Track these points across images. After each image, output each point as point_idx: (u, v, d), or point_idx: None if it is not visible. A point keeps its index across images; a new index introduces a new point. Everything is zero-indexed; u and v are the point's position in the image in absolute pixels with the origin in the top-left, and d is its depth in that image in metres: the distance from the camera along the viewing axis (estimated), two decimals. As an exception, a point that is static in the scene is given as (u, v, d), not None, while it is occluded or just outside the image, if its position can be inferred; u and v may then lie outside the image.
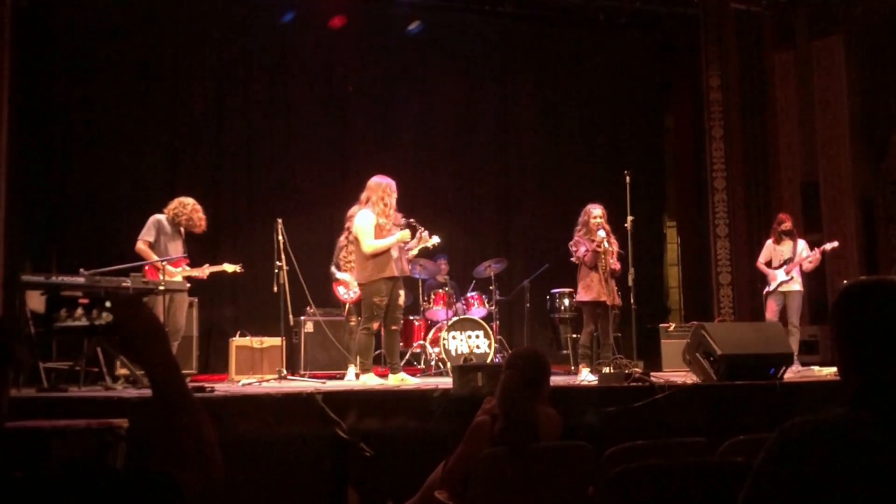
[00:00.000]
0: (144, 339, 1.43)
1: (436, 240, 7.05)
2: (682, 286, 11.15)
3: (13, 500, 1.22)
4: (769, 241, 8.52)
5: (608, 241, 7.16)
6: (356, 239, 6.70)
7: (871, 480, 1.47)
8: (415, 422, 5.22)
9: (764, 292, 8.45)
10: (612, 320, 7.28)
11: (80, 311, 1.44)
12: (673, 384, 5.89)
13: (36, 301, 6.10)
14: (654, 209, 11.14)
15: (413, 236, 6.84)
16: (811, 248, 8.30)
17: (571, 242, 7.33)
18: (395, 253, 6.61)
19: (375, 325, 6.67)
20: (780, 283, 8.23)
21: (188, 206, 7.07)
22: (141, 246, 6.88)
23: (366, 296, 6.65)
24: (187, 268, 7.10)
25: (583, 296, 7.22)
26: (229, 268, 7.30)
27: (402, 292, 6.79)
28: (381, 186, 6.68)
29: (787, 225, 8.39)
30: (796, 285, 8.23)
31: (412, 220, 6.83)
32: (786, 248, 8.35)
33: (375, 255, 6.53)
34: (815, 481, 1.49)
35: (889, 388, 1.57)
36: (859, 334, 1.64)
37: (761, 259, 8.53)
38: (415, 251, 7.28)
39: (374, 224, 6.56)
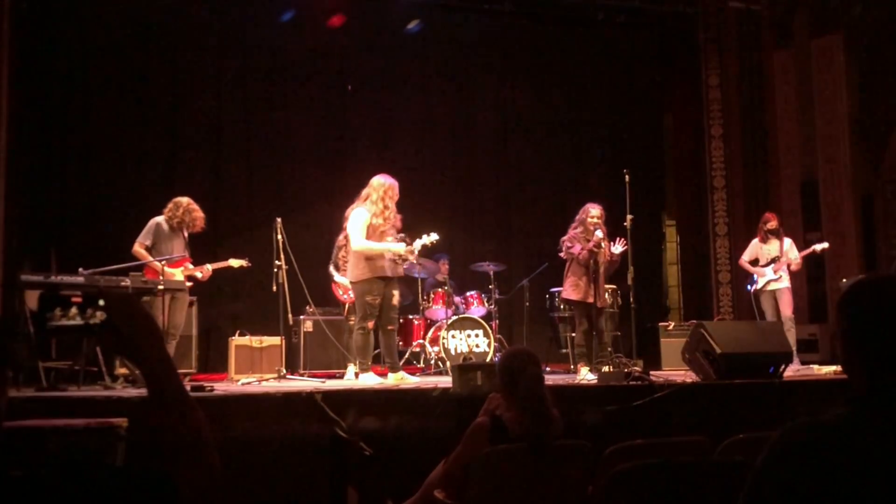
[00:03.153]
0: (139, 337, 1.41)
1: (434, 237, 6.99)
2: (682, 285, 11.14)
3: (12, 500, 1.22)
4: (755, 240, 8.55)
5: (603, 243, 7.05)
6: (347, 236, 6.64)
7: (874, 483, 1.46)
8: (414, 421, 5.21)
9: (752, 290, 8.44)
10: (605, 319, 7.22)
11: (74, 309, 1.42)
12: (672, 383, 5.89)
13: (35, 301, 6.07)
14: (653, 208, 11.13)
15: (405, 251, 6.62)
16: (799, 249, 8.32)
17: (566, 238, 7.24)
18: (388, 253, 6.56)
19: (370, 324, 6.57)
20: (769, 282, 8.26)
21: (181, 207, 7.09)
22: (137, 248, 6.90)
23: (358, 294, 6.59)
24: (190, 266, 7.11)
25: (570, 294, 7.16)
26: (235, 263, 7.30)
27: (396, 292, 6.66)
28: (384, 187, 6.57)
29: (773, 224, 8.41)
30: (784, 282, 8.26)
31: (404, 236, 6.71)
32: (772, 246, 8.37)
33: (367, 255, 6.47)
34: (816, 484, 1.47)
35: (893, 389, 1.55)
36: (865, 332, 1.61)
37: (745, 257, 8.56)
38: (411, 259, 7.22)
39: (367, 223, 6.46)
